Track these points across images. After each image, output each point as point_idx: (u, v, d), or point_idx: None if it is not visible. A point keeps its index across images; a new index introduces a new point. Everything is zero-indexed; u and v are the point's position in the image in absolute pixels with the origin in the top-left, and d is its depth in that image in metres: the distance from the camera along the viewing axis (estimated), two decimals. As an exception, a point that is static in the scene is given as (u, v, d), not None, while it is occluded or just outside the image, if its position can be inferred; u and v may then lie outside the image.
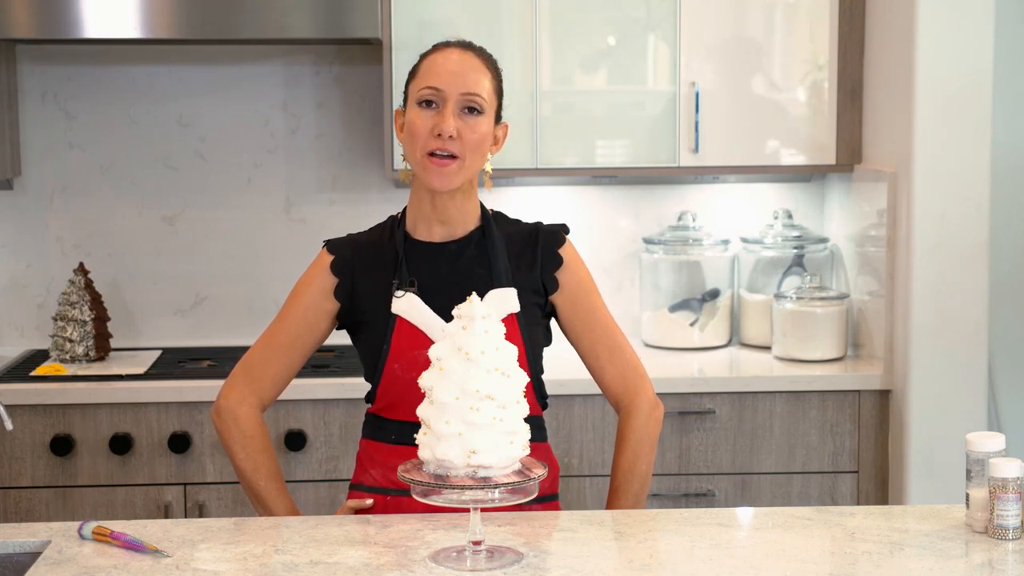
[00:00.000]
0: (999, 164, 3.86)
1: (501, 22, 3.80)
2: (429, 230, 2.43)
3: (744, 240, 4.09)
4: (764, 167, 3.91)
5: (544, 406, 2.49)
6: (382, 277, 2.41)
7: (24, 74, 4.03)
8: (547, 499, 2.45)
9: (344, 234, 2.52)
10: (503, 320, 2.37)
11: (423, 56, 2.41)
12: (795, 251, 4.02)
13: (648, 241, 4.05)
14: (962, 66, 3.50)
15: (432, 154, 2.33)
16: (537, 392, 2.45)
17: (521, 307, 2.41)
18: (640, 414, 2.46)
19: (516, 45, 3.79)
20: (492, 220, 2.46)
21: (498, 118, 2.42)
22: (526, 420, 2.38)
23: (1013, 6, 4.16)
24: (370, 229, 2.50)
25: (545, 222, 2.53)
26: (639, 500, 2.44)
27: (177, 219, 4.10)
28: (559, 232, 2.48)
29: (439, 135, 2.32)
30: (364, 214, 4.04)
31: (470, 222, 2.44)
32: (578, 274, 2.47)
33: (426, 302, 2.37)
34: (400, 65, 3.73)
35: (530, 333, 2.41)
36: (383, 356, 2.38)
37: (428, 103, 2.34)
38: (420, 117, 2.35)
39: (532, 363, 2.42)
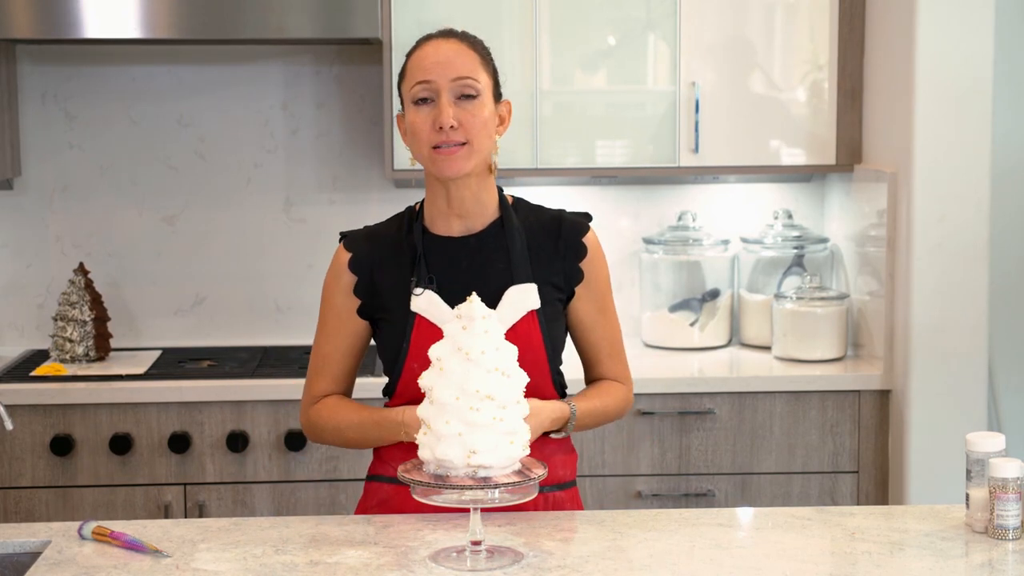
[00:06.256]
0: (999, 164, 3.86)
1: (501, 22, 3.80)
2: (447, 224, 2.40)
3: (744, 240, 4.09)
4: (764, 167, 3.91)
5: (563, 395, 2.47)
6: (401, 274, 2.39)
7: (24, 74, 4.03)
8: (566, 486, 2.45)
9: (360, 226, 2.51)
10: (524, 317, 2.35)
11: (408, 54, 2.40)
12: (795, 251, 4.02)
13: (648, 241, 4.05)
14: (962, 66, 3.51)
15: (437, 147, 2.32)
16: (556, 384, 2.44)
17: (542, 303, 2.38)
18: (626, 390, 2.51)
19: (516, 45, 3.79)
20: (511, 210, 2.42)
21: (497, 97, 2.39)
22: None
23: (1013, 6, 4.16)
24: (387, 220, 2.48)
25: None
26: (587, 416, 2.42)
27: (177, 219, 4.10)
28: (583, 221, 2.45)
29: (440, 128, 2.30)
30: (364, 214, 4.04)
31: (489, 213, 2.41)
32: (601, 266, 2.45)
33: (445, 298, 2.35)
34: (400, 65, 3.73)
35: (550, 329, 2.39)
36: (403, 354, 2.37)
37: (423, 100, 2.33)
38: (418, 115, 2.33)
39: (552, 359, 2.40)
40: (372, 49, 3.99)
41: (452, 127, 2.30)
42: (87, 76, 4.04)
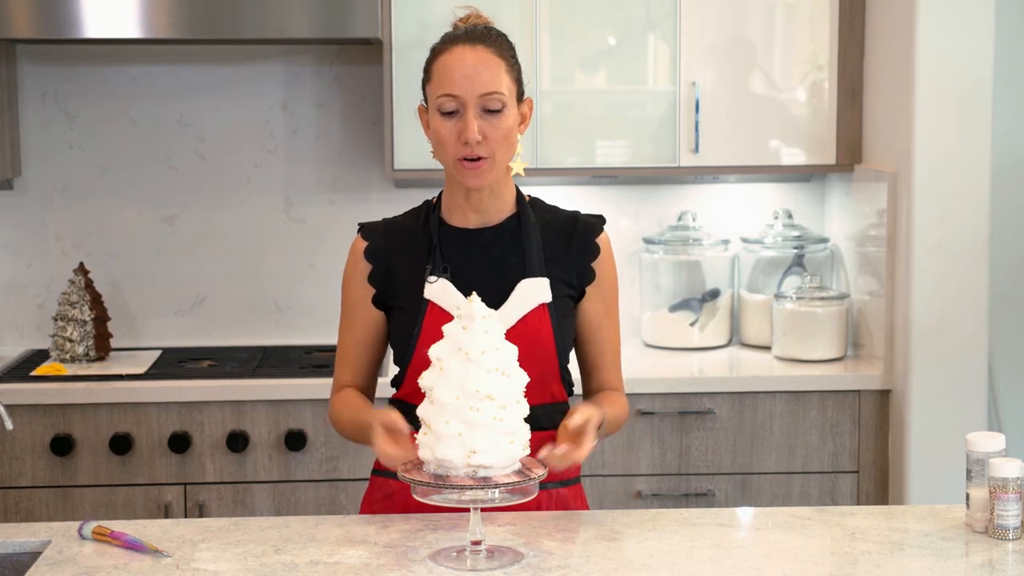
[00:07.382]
0: (999, 164, 3.86)
1: (501, 22, 3.77)
2: (464, 217, 2.43)
3: (744, 240, 4.09)
4: (764, 167, 3.91)
5: (570, 392, 2.48)
6: (416, 262, 2.41)
7: (24, 74, 4.03)
8: (570, 482, 2.47)
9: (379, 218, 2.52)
10: (534, 310, 2.37)
11: (435, 52, 2.39)
12: (795, 251, 4.02)
13: (648, 241, 4.05)
14: (962, 66, 3.51)
15: (461, 159, 2.34)
16: (564, 382, 2.45)
17: (553, 298, 2.40)
18: (626, 402, 2.50)
19: (516, 45, 3.78)
20: (528, 207, 2.45)
21: (520, 95, 2.41)
22: (553, 407, 2.38)
23: (1013, 6, 4.16)
24: (405, 213, 2.50)
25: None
26: (609, 425, 2.41)
27: (177, 219, 4.10)
28: (597, 223, 2.48)
29: (466, 142, 2.32)
30: (364, 214, 4.02)
31: (506, 208, 2.43)
32: (611, 268, 2.47)
33: (459, 289, 2.37)
34: (400, 65, 3.74)
35: (560, 324, 2.40)
36: (413, 341, 2.38)
37: (449, 112, 2.34)
38: (444, 126, 2.34)
39: (560, 353, 2.41)
40: (372, 49, 3.99)
41: (478, 142, 2.32)
42: (87, 76, 4.04)
